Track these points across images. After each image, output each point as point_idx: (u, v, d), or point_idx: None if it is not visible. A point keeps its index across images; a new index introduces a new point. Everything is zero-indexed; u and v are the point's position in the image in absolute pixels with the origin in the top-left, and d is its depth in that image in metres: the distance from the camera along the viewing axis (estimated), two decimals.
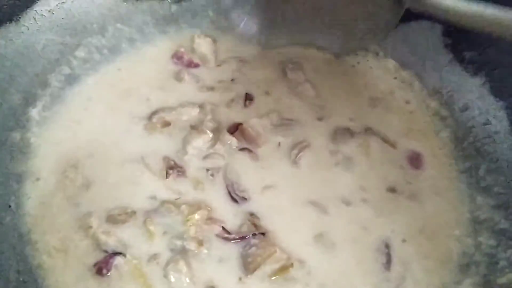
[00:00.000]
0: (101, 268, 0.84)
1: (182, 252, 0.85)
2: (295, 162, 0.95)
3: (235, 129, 0.98)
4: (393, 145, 0.99)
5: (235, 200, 0.91)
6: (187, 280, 0.83)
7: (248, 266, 0.84)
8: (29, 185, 0.92)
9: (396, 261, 0.86)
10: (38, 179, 0.93)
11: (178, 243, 0.86)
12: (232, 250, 0.86)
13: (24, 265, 0.84)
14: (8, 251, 0.84)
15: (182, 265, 0.83)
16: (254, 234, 0.87)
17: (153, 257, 0.85)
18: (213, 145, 0.96)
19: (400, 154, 0.98)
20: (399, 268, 0.86)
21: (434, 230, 0.89)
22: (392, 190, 0.93)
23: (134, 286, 0.83)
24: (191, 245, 0.85)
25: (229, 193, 0.91)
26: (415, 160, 0.97)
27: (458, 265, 0.86)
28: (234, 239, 0.87)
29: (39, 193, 0.91)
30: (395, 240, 0.88)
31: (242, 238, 0.86)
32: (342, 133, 0.99)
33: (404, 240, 0.88)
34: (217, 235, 0.87)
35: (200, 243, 0.85)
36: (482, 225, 0.89)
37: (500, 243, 0.85)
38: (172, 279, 0.83)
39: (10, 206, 0.89)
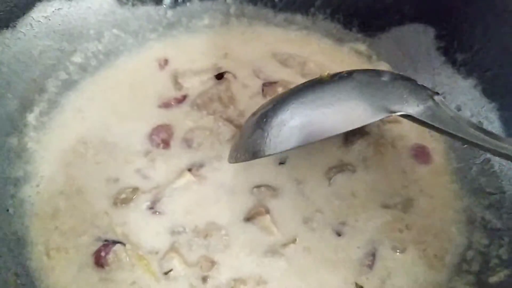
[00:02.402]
0: (99, 257, 0.86)
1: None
2: None
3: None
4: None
5: None
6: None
7: None
8: (27, 189, 0.93)
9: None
10: (36, 183, 0.94)
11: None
12: None
13: (22, 268, 0.85)
14: (6, 255, 0.85)
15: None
16: None
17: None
18: None
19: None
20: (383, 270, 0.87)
21: (427, 229, 0.90)
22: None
23: (135, 273, 0.85)
24: None
25: None
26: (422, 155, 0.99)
27: (451, 264, 0.87)
28: None
29: (37, 197, 0.93)
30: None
31: None
32: None
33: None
34: None
35: None
36: (475, 225, 0.90)
37: (492, 242, 0.87)
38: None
39: (7, 210, 0.89)
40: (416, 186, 0.95)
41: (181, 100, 1.05)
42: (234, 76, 1.08)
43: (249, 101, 1.05)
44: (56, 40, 1.04)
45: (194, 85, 1.07)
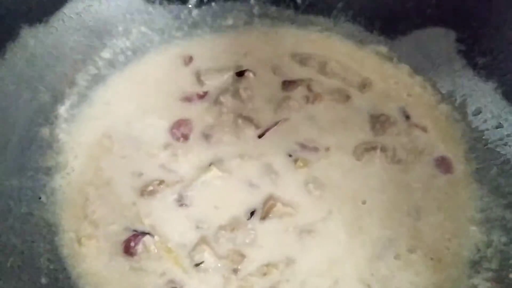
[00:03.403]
0: (128, 246, 0.88)
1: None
2: None
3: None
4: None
5: None
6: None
7: None
8: (58, 179, 0.96)
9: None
10: (66, 173, 0.97)
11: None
12: None
13: (55, 254, 0.87)
14: (39, 241, 0.88)
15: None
16: None
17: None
18: None
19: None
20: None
21: (447, 227, 0.92)
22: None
23: (165, 264, 0.87)
24: None
25: None
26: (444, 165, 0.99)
27: (471, 261, 0.89)
28: None
29: (68, 187, 0.95)
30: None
31: None
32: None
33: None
34: None
35: None
36: (494, 223, 0.91)
37: (511, 240, 0.88)
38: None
39: (40, 198, 0.92)
40: (438, 189, 0.96)
41: (202, 96, 1.07)
42: (254, 74, 1.10)
43: (269, 99, 1.07)
44: (87, 36, 1.07)
45: (215, 82, 1.09)
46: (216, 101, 1.06)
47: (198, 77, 1.09)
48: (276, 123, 1.03)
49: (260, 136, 1.01)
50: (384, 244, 0.90)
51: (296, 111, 1.05)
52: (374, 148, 0.99)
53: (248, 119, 1.03)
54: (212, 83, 1.09)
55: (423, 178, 0.97)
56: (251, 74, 1.10)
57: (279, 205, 0.91)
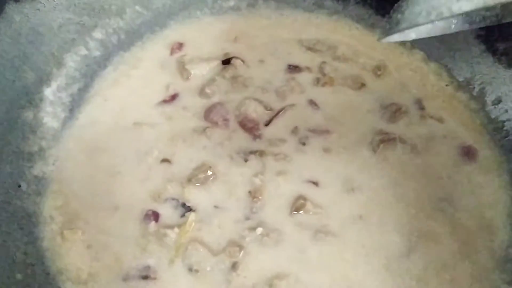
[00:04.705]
0: None
1: None
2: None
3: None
4: None
5: None
6: None
7: None
8: (41, 166, 0.89)
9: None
10: (52, 161, 0.90)
11: None
12: None
13: (33, 247, 0.80)
14: (16, 232, 0.81)
15: None
16: None
17: None
18: None
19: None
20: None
21: (475, 222, 0.86)
22: None
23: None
24: None
25: None
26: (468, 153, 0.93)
27: (500, 257, 0.83)
28: None
29: (52, 175, 0.88)
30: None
31: None
32: None
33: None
34: None
35: None
36: None
37: None
38: None
39: (19, 186, 0.85)
40: (464, 181, 0.90)
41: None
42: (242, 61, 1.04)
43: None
44: (77, 14, 1.00)
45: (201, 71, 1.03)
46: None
47: (183, 66, 1.02)
48: (282, 109, 0.97)
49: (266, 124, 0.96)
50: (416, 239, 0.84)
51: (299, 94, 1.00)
52: (392, 140, 0.93)
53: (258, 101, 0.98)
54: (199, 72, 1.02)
55: (448, 166, 0.92)
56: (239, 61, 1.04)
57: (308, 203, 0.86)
